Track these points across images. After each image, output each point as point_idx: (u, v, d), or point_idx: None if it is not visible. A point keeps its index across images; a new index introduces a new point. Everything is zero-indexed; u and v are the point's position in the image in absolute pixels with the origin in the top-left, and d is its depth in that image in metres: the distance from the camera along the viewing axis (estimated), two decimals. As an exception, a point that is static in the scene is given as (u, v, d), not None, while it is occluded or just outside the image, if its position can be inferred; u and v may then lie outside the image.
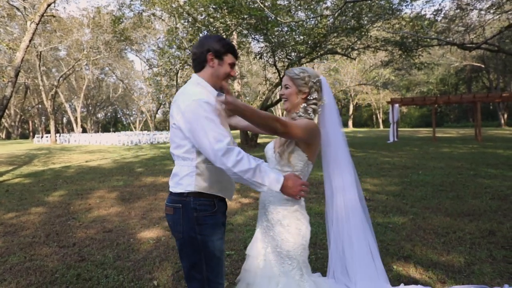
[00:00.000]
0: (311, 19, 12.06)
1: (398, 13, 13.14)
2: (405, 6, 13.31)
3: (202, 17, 13.51)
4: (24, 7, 16.97)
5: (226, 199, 1.87)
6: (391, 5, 12.65)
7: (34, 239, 4.33)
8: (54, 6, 19.93)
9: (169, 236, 4.30)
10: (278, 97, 17.38)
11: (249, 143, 17.04)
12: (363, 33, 12.33)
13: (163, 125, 58.95)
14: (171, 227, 1.80)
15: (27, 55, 23.04)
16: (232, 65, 1.85)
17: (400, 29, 13.75)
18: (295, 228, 1.85)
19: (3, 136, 50.59)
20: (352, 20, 11.86)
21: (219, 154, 1.55)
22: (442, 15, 16.78)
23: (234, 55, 1.87)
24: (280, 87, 17.02)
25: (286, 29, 12.28)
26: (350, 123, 50.30)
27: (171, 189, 1.81)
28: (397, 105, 21.31)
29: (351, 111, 52.28)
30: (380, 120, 51.63)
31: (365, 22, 12.46)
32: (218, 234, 1.76)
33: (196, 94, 1.67)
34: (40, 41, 21.28)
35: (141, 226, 4.77)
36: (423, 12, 24.74)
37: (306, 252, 1.90)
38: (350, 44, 13.64)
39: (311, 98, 1.90)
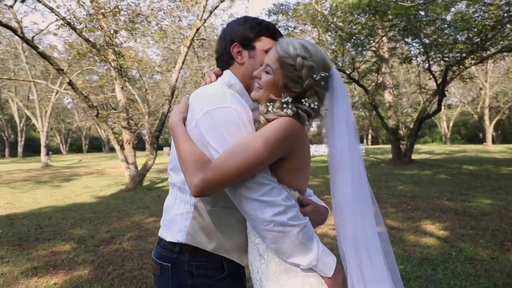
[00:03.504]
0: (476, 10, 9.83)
1: None
2: None
3: (347, 25, 12.85)
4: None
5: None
6: None
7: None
8: (216, 31, 22.57)
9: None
10: (436, 107, 14.99)
11: (401, 159, 15.12)
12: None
13: (317, 138, 59.57)
14: None
15: (195, 77, 26.80)
16: None
17: None
18: None
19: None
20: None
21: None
22: None
23: (272, 35, 1.26)
24: (438, 94, 14.86)
25: (441, 26, 10.38)
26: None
27: (159, 233, 1.29)
28: None
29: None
30: None
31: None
32: None
33: (222, 99, 1.11)
34: (204, 63, 24.40)
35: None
36: None
37: None
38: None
39: (305, 103, 1.09)
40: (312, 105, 1.10)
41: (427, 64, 12.39)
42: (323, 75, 1.10)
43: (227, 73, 1.28)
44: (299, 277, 1.06)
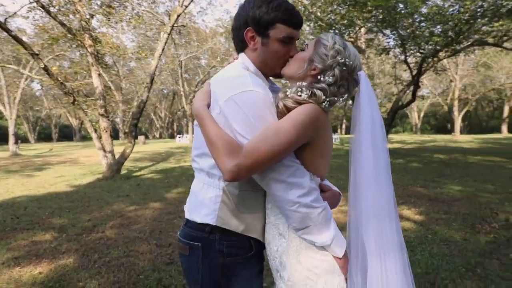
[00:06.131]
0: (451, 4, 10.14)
1: None
2: None
3: (325, 15, 12.93)
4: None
5: None
6: None
7: (140, 234, 4.54)
8: (194, 19, 22.16)
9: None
10: (410, 97, 15.44)
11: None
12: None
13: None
14: (186, 273, 1.31)
15: (171, 65, 26.32)
16: (286, 41, 1.20)
17: None
18: None
19: (157, 136, 59.15)
20: (509, 0, 9.50)
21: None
22: None
23: (289, 22, 1.19)
24: (413, 85, 15.29)
25: (419, 19, 10.64)
26: (504, 128, 42.16)
27: (186, 215, 1.31)
28: None
29: (506, 114, 43.78)
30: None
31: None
32: None
33: (244, 83, 1.13)
34: (181, 51, 23.99)
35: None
36: None
37: None
38: (505, 31, 11.02)
39: (322, 79, 1.15)
40: (328, 80, 1.15)
41: (404, 56, 12.72)
42: (350, 64, 1.16)
43: (242, 55, 1.27)
44: (318, 254, 1.14)
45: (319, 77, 1.17)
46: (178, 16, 9.23)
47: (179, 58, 23.71)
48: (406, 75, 22.24)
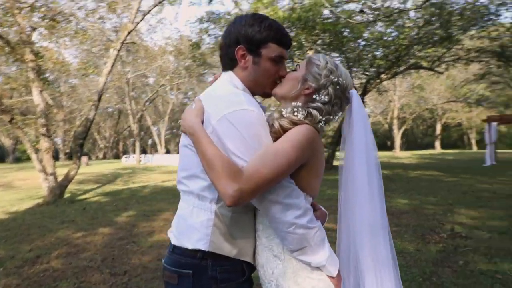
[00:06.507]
0: (392, 32, 11.04)
1: (496, 18, 11.44)
2: (505, 10, 11.55)
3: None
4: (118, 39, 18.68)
5: None
6: (487, 10, 11.05)
7: (90, 263, 4.21)
8: (142, 36, 21.76)
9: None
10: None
11: (325, 165, 16.06)
12: (452, 43, 10.86)
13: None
14: None
15: (118, 82, 25.44)
16: (277, 60, 1.20)
17: (499, 37, 11.95)
18: None
19: (101, 156, 56.25)
20: (440, 30, 10.58)
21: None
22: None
23: (280, 42, 1.20)
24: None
25: (363, 43, 11.42)
26: (437, 144, 45.97)
27: (173, 241, 1.21)
28: (494, 123, 18.68)
29: (438, 131, 47.83)
30: (473, 141, 46.30)
31: (455, 31, 11.02)
32: None
33: (238, 101, 1.10)
34: (129, 68, 23.34)
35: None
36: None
37: None
38: (437, 56, 12.20)
39: (319, 98, 1.16)
40: (323, 99, 1.16)
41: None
42: (342, 83, 1.17)
43: (229, 73, 1.24)
44: (313, 274, 1.11)
45: (314, 96, 1.18)
46: (129, 33, 9.00)
47: (126, 75, 22.99)
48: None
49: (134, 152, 32.34)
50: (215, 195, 1.11)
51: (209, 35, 18.05)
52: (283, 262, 1.14)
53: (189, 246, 1.14)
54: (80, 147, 9.04)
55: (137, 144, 27.59)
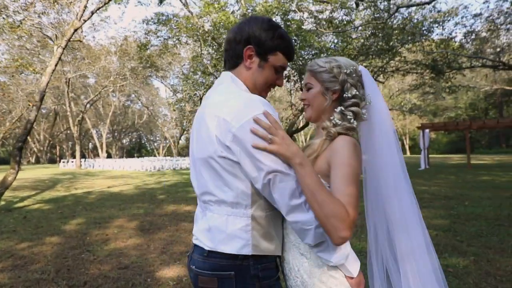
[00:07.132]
0: (339, 42, 11.68)
1: (429, 34, 12.63)
2: (437, 27, 12.80)
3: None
4: (56, 36, 17.51)
5: None
6: (422, 27, 12.16)
7: (43, 275, 3.89)
8: (83, 34, 20.58)
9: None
10: (304, 123, 16.84)
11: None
12: (394, 54, 11.78)
13: (185, 151, 59.36)
14: None
15: (56, 82, 23.77)
16: (279, 70, 1.25)
17: (432, 51, 13.19)
18: None
19: (33, 161, 51.92)
20: (382, 42, 11.41)
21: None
22: (474, 37, 16.15)
23: (288, 54, 1.24)
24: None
25: (313, 52, 11.91)
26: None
27: (207, 247, 1.16)
28: (427, 130, 20.45)
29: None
30: (407, 147, 50.15)
31: (396, 44, 11.97)
32: None
33: (255, 106, 1.09)
34: (69, 68, 21.89)
35: (160, 262, 4.26)
36: (453, 34, 24.15)
37: None
38: (380, 66, 13.13)
39: (348, 95, 1.24)
40: (354, 92, 1.24)
41: (300, 84, 13.94)
42: (352, 68, 1.26)
43: (230, 75, 1.24)
44: (337, 274, 1.17)
45: (344, 95, 1.25)
46: (75, 30, 8.47)
47: (66, 75, 21.55)
48: (300, 103, 24.23)
49: (71, 156, 30.35)
50: (249, 200, 1.11)
51: (158, 37, 17.63)
52: (309, 260, 1.18)
53: (228, 250, 1.12)
54: (19, 150, 8.27)
55: (78, 148, 25.93)
